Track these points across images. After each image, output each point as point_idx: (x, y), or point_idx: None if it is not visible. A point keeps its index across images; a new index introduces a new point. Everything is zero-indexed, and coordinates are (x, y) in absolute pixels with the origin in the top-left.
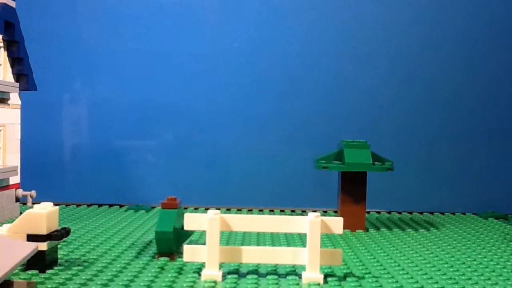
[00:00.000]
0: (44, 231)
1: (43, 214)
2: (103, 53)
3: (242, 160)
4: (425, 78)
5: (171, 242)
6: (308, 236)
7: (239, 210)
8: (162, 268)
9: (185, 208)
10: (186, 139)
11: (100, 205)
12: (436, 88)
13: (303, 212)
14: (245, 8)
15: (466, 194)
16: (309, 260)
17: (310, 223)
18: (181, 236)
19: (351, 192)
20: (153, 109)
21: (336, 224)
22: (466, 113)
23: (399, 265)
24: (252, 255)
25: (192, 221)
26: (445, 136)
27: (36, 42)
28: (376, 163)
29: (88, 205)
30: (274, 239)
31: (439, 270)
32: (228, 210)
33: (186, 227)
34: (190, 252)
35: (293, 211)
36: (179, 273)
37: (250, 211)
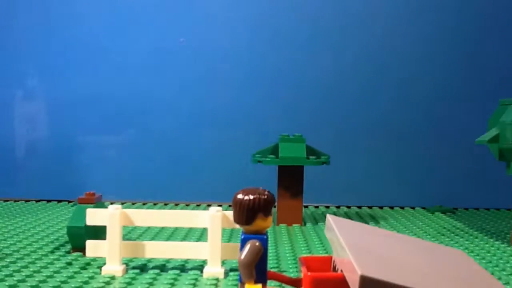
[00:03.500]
0: None
1: None
2: (58, 48)
3: (193, 155)
4: (369, 71)
5: (83, 237)
6: (209, 230)
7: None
8: (69, 264)
9: (144, 204)
10: (148, 136)
11: (49, 201)
12: (379, 81)
13: None
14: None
15: (414, 188)
16: (210, 255)
17: (210, 218)
18: (99, 231)
19: (288, 186)
20: (115, 104)
21: None
22: (413, 107)
23: None
24: (154, 249)
25: (93, 216)
26: (393, 131)
27: None
28: (311, 157)
29: (37, 201)
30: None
31: None
32: (198, 206)
33: (88, 222)
34: (92, 248)
35: None
36: (83, 268)
37: (198, 205)
